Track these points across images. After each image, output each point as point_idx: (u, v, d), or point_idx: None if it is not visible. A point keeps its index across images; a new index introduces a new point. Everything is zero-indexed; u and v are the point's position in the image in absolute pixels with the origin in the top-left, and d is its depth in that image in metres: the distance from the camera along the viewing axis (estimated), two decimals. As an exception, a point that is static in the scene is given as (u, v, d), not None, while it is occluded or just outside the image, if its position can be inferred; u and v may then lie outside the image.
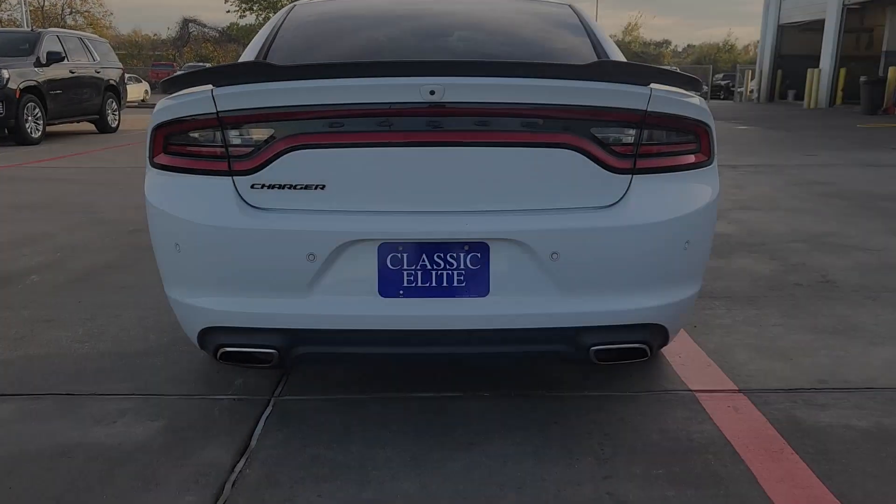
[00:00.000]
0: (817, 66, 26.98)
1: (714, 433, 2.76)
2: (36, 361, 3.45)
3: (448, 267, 2.40)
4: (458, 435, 2.75)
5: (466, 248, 2.39)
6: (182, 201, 2.49)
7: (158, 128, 2.52)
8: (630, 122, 2.42)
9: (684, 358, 3.45)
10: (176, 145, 2.52)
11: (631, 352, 2.54)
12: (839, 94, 25.99)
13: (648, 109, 2.42)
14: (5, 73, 12.64)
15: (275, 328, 2.45)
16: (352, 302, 2.41)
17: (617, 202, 2.45)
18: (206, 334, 2.55)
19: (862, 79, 22.12)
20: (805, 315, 4.05)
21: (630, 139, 2.45)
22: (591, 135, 2.40)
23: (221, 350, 2.52)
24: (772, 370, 3.33)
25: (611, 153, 2.43)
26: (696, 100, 2.54)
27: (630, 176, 2.45)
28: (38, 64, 13.55)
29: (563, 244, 2.37)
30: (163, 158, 2.55)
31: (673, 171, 2.51)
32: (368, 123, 2.36)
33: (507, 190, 2.40)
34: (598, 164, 2.41)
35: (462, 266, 2.40)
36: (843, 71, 25.75)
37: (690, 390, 3.11)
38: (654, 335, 2.56)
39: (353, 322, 2.41)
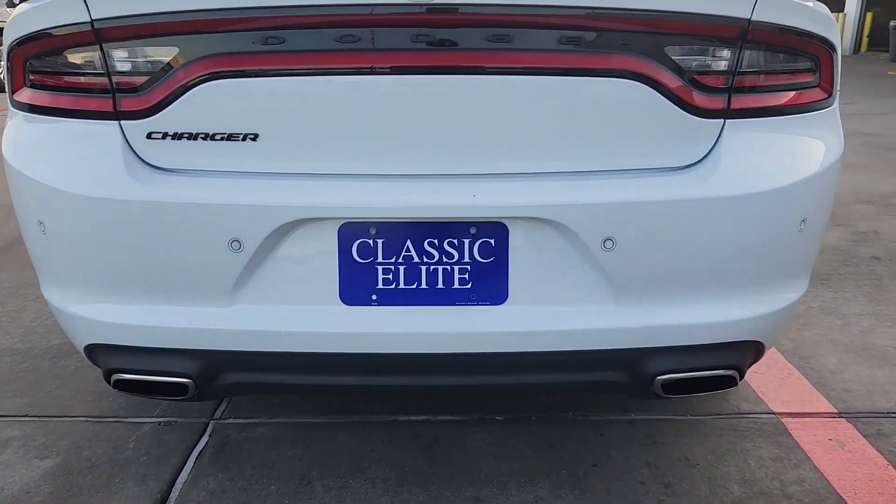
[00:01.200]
0: (842, 10, 25.65)
1: (819, 484, 1.98)
2: (-87, 364, 2.67)
3: (445, 259, 1.58)
4: (457, 486, 1.97)
5: (474, 230, 1.56)
6: (46, 159, 1.66)
7: (17, 47, 1.68)
8: (724, 38, 1.57)
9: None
10: (40, 74, 1.67)
11: (712, 382, 1.73)
12: (864, 40, 24.71)
13: (753, 19, 1.57)
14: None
15: (187, 349, 1.64)
16: (299, 312, 1.60)
17: (701, 160, 1.62)
18: (94, 353, 1.75)
19: (892, 23, 20.89)
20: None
21: (723, 65, 1.60)
22: (666, 58, 1.55)
23: (114, 377, 1.72)
24: (874, 381, 2.52)
25: (694, 85, 1.58)
26: (818, 6, 1.68)
27: (722, 121, 1.61)
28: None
29: (622, 225, 1.54)
30: (25, 94, 1.71)
31: (783, 113, 1.66)
32: (325, 39, 1.52)
33: (536, 143, 1.56)
34: (675, 103, 1.57)
35: (467, 258, 1.58)
36: (869, 16, 24.43)
37: (773, 413, 2.32)
38: (747, 356, 1.76)
39: (301, 342, 1.61)
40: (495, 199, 1.53)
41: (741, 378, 1.77)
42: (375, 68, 1.52)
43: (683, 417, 2.30)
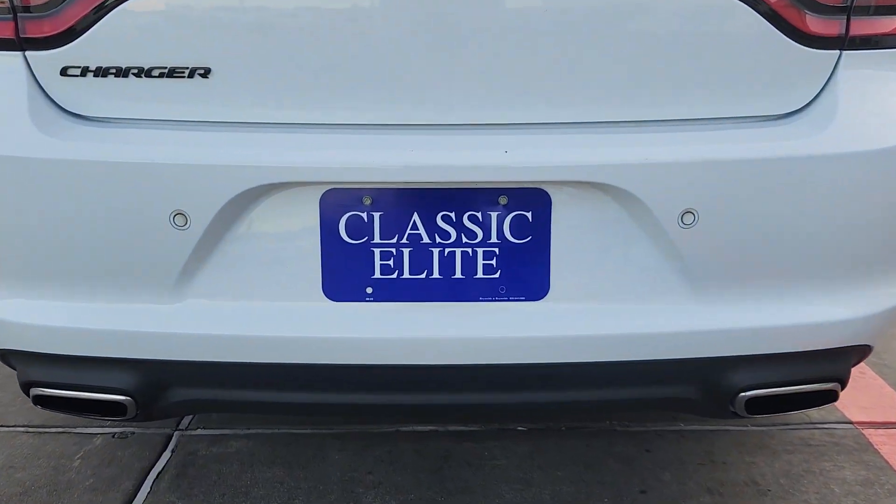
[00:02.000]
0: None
1: (923, 520, 1.59)
2: None
3: (466, 240, 1.17)
4: (477, 521, 1.58)
5: (505, 200, 1.15)
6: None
7: None
8: (843, -61, 1.15)
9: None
10: (-78, -9, 1.25)
11: (809, 398, 1.33)
12: None
13: (881, -88, 1.15)
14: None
15: (123, 359, 1.23)
16: (268, 311, 1.19)
17: (807, 107, 1.20)
18: (8, 359, 1.35)
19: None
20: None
21: (840, -24, 1.18)
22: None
23: (33, 391, 1.32)
24: (966, 382, 2.13)
25: (801, 4, 1.16)
26: None
27: (837, 52, 1.19)
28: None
29: (708, 194, 1.13)
30: None
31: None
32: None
33: (590, 81, 1.15)
34: (777, 26, 1.15)
35: (495, 238, 1.17)
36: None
37: (851, 423, 1.93)
38: (851, 364, 1.35)
39: (271, 350, 1.20)
40: (534, 156, 1.12)
41: (842, 390, 1.37)
42: (370, -24, 1.10)
43: (744, 428, 1.90)
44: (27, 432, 1.91)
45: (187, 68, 1.15)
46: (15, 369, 1.39)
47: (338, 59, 1.12)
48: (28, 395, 1.36)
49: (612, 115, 1.16)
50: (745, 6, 1.13)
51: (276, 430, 1.90)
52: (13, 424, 1.94)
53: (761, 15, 1.14)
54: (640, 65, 1.14)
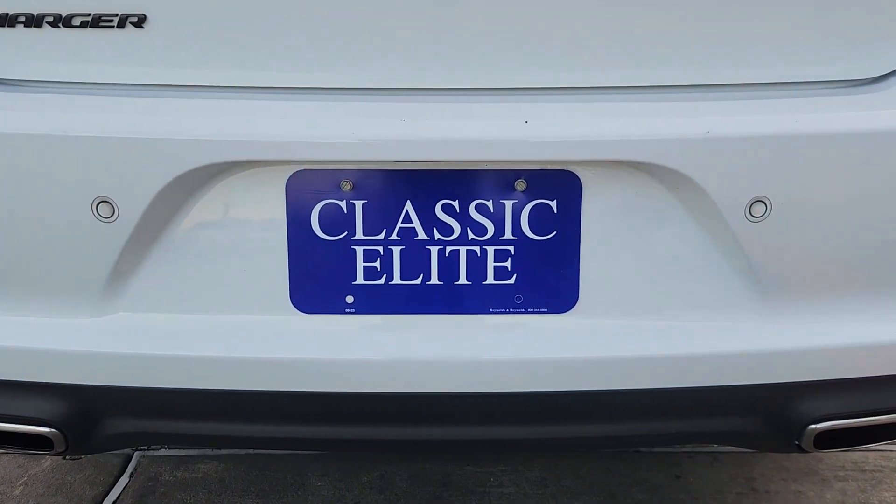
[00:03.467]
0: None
1: None
2: None
3: (473, 235, 0.92)
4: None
5: (522, 185, 0.90)
6: None
7: None
8: None
9: None
10: None
11: (888, 430, 1.09)
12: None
13: None
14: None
15: (45, 383, 0.98)
16: (220, 325, 0.94)
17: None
18: None
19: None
20: None
21: None
22: None
23: (-61, 420, 1.07)
24: None
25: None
26: None
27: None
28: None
29: (785, 179, 0.88)
30: None
31: None
32: None
33: (629, 34, 0.89)
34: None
35: (510, 233, 0.92)
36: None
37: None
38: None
39: (225, 375, 0.95)
40: (561, 128, 0.86)
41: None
42: None
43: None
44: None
45: (116, 15, 0.89)
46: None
47: (305, 6, 0.87)
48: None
49: (659, 78, 0.90)
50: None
51: (250, 451, 1.65)
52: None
53: None
54: (695, 12, 0.89)
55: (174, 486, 1.56)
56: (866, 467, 1.61)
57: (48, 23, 0.90)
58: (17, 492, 1.55)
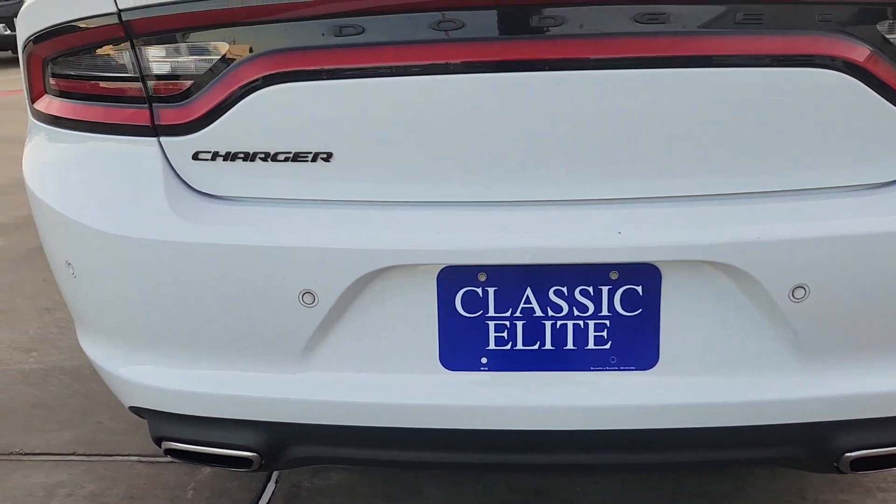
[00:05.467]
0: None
1: None
2: (-45, 388, 2.44)
3: (577, 313, 1.21)
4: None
5: (615, 275, 1.19)
6: (71, 186, 1.34)
7: (33, 44, 1.36)
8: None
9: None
10: (62, 78, 1.35)
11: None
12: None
13: None
14: (22, -15, 11.51)
15: (250, 421, 1.32)
16: (389, 381, 1.26)
17: (916, 174, 1.20)
18: (140, 413, 1.46)
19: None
20: None
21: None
22: (879, 39, 1.14)
23: (165, 445, 1.43)
24: None
25: (913, 75, 1.16)
26: None
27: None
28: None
29: (821, 267, 1.15)
30: (45, 103, 1.39)
31: None
32: (419, 25, 1.15)
33: (698, 155, 1.17)
34: (888, 98, 1.16)
35: (606, 311, 1.21)
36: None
37: (947, 459, 1.91)
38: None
39: (390, 416, 1.27)
40: (647, 236, 1.15)
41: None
42: (484, 63, 1.15)
43: (836, 464, 1.90)
44: (141, 462, 2.04)
45: (311, 153, 1.21)
46: (144, 418, 1.50)
47: (453, 144, 1.17)
48: (159, 446, 1.46)
49: (722, 188, 1.18)
50: (853, 79, 1.14)
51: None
52: (129, 454, 2.07)
53: (873, 88, 1.14)
54: (752, 136, 1.16)
55: (314, 491, 1.90)
56: (909, 480, 1.84)
57: (260, 158, 1.23)
58: (189, 495, 1.90)
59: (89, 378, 2.47)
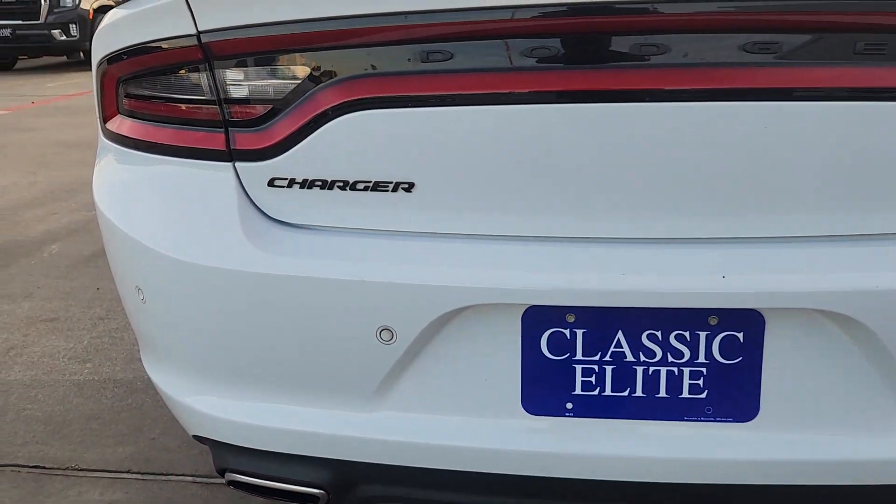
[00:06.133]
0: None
1: None
2: (11, 397, 2.45)
3: (672, 359, 1.14)
4: None
5: (715, 321, 1.11)
6: (142, 210, 1.31)
7: (108, 64, 1.33)
8: None
9: None
10: (136, 99, 1.32)
11: None
12: None
13: None
14: (78, -8, 11.81)
15: (317, 458, 1.27)
16: (467, 424, 1.20)
17: None
18: (204, 442, 1.42)
19: None
20: None
21: None
22: None
23: (228, 476, 1.38)
24: None
25: None
26: None
27: None
28: (107, -19, 12.64)
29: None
30: (117, 124, 1.36)
31: None
32: (511, 51, 1.10)
33: (810, 192, 1.09)
34: None
35: (703, 358, 1.13)
36: None
37: None
38: None
39: (468, 460, 1.21)
40: (753, 281, 1.07)
41: None
42: (582, 93, 1.08)
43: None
44: (195, 482, 2.01)
45: (391, 182, 1.16)
46: (206, 445, 1.46)
47: (544, 176, 1.11)
48: (222, 476, 1.42)
49: (838, 229, 1.10)
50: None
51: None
52: (183, 473, 2.04)
53: None
54: (876, 173, 1.07)
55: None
56: None
57: (338, 187, 1.18)
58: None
59: (142, 391, 2.46)
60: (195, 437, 1.43)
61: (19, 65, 12.87)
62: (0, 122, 7.52)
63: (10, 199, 4.63)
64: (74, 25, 11.74)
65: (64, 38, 11.71)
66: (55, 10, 11.77)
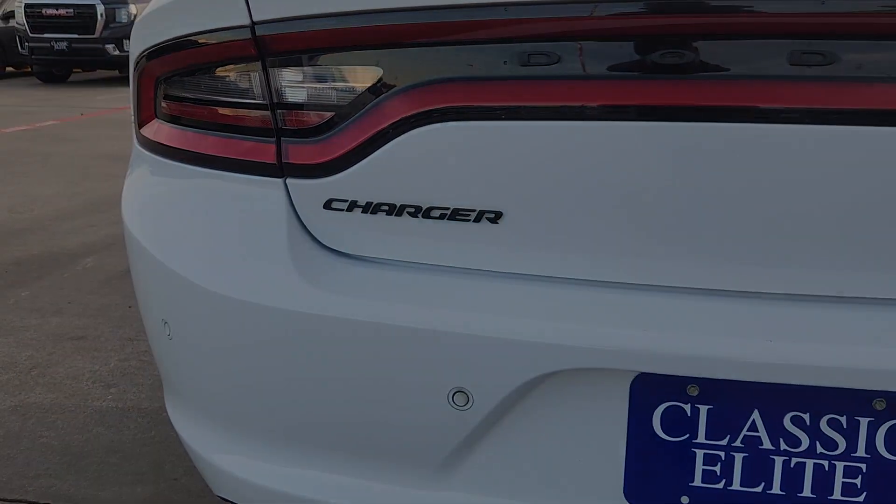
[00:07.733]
0: None
1: None
2: (29, 422, 2.27)
3: (822, 449, 0.90)
4: None
5: (881, 405, 0.87)
6: (175, 231, 1.12)
7: (146, 60, 1.15)
8: None
9: None
10: (175, 102, 1.14)
11: None
12: None
13: None
14: (133, 9, 11.96)
15: (368, 538, 1.05)
16: (555, 513, 0.97)
17: None
18: (230, 504, 1.21)
19: None
20: None
21: None
22: None
23: (257, 549, 1.17)
24: None
25: None
26: None
27: None
28: (162, -3, 12.79)
29: None
30: (154, 129, 1.18)
31: None
32: (631, 58, 0.88)
33: None
34: None
35: (862, 451, 0.89)
36: None
37: None
38: None
39: (553, 557, 0.98)
40: (940, 357, 0.83)
41: None
42: (720, 110, 0.86)
43: None
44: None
45: (474, 211, 0.95)
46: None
47: (669, 202, 0.89)
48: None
49: None
50: None
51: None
52: (205, 523, 1.84)
53: None
54: None
55: None
56: None
57: (409, 213, 0.98)
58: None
59: (167, 423, 2.26)
60: (221, 498, 1.22)
61: (73, 77, 13.10)
62: (48, 132, 7.54)
63: (50, 210, 4.55)
64: (128, 41, 11.89)
65: (117, 52, 11.86)
66: (110, 25, 11.94)
